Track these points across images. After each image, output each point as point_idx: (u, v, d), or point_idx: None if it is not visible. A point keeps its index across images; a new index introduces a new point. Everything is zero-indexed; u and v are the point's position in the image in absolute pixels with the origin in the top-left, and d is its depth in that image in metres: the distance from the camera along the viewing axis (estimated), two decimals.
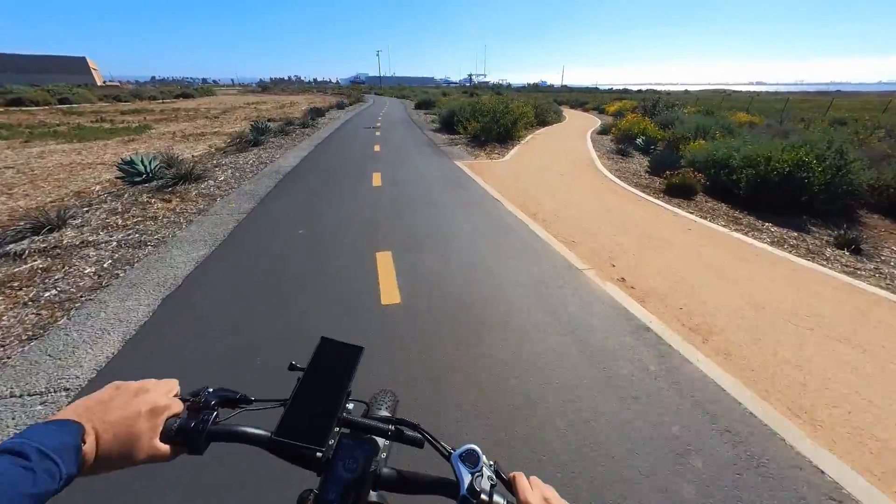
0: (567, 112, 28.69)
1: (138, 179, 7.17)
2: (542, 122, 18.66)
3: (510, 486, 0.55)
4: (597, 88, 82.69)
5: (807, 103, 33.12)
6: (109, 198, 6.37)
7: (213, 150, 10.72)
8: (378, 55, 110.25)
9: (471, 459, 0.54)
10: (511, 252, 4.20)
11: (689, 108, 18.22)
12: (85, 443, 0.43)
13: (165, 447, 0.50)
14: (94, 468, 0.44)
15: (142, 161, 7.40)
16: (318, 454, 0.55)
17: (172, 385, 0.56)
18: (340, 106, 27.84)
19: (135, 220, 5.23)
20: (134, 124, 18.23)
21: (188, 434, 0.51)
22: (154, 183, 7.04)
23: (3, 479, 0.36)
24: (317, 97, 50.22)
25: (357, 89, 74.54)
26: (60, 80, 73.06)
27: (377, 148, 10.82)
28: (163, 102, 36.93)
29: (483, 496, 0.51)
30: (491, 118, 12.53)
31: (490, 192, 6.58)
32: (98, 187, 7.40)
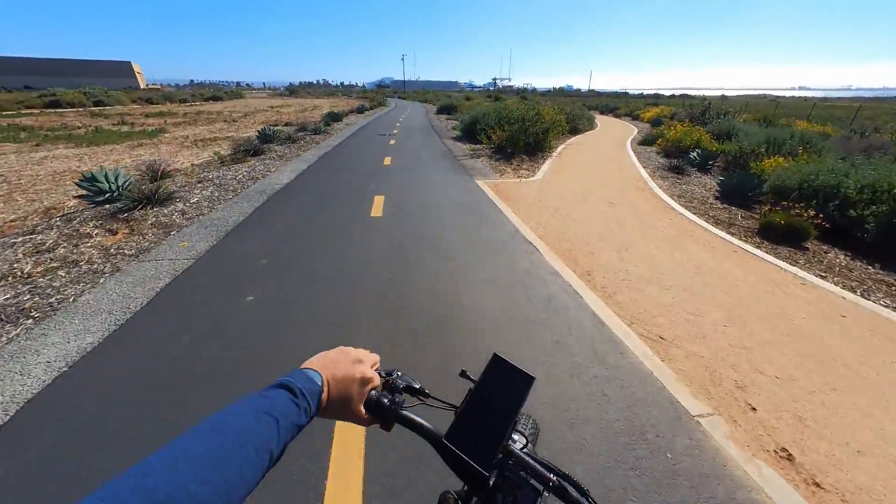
0: (598, 118, 26.50)
1: (100, 199, 5.95)
2: (574, 130, 16.77)
3: None
4: (626, 93, 78.82)
5: (870, 110, 29.48)
6: (59, 223, 5.15)
7: (216, 157, 9.54)
8: (403, 59, 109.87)
9: None
10: (562, 366, 2.52)
11: (743, 116, 15.87)
12: (324, 392, 0.51)
13: (365, 414, 0.57)
14: (323, 414, 0.52)
15: (106, 177, 6.19)
16: (479, 477, 0.53)
17: (377, 359, 0.62)
18: (360, 110, 26.74)
19: (52, 263, 3.91)
20: (151, 128, 17.63)
21: (383, 410, 0.56)
22: (118, 204, 5.81)
23: (284, 409, 0.44)
24: (340, 101, 49.75)
25: (381, 93, 74.16)
26: (108, 83, 76.35)
27: (387, 161, 9.35)
28: (191, 105, 37.12)
29: None
30: (519, 127, 10.85)
31: (521, 229, 4.92)
32: (74, 202, 6.31)
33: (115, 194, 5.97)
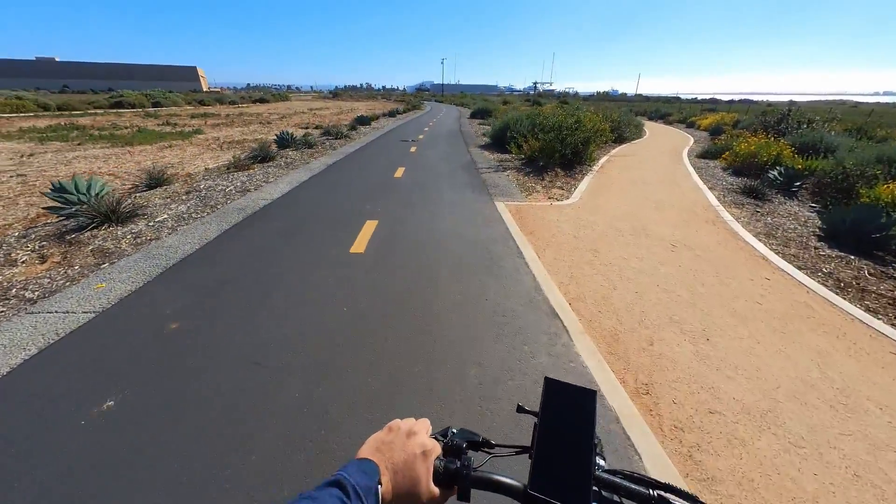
0: (647, 125, 23.93)
1: (65, 213, 5.21)
2: (620, 139, 14.77)
3: None
4: (678, 98, 72.87)
5: None
6: (12, 239, 4.40)
7: (233, 161, 8.77)
8: (442, 63, 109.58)
9: None
10: None
11: (833, 125, 13.11)
12: (381, 484, 0.45)
13: (437, 490, 0.49)
14: None
15: (76, 188, 5.47)
16: None
17: (428, 425, 0.56)
18: (392, 114, 25.99)
19: None
20: (190, 129, 17.79)
21: (456, 478, 0.50)
22: (78, 221, 5.03)
23: None
24: (378, 104, 49.81)
25: (419, 97, 74.01)
26: (175, 86, 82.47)
27: (399, 172, 8.15)
28: (237, 107, 38.44)
29: None
30: (555, 136, 9.27)
31: (545, 287, 3.44)
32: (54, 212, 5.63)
33: (79, 208, 5.19)
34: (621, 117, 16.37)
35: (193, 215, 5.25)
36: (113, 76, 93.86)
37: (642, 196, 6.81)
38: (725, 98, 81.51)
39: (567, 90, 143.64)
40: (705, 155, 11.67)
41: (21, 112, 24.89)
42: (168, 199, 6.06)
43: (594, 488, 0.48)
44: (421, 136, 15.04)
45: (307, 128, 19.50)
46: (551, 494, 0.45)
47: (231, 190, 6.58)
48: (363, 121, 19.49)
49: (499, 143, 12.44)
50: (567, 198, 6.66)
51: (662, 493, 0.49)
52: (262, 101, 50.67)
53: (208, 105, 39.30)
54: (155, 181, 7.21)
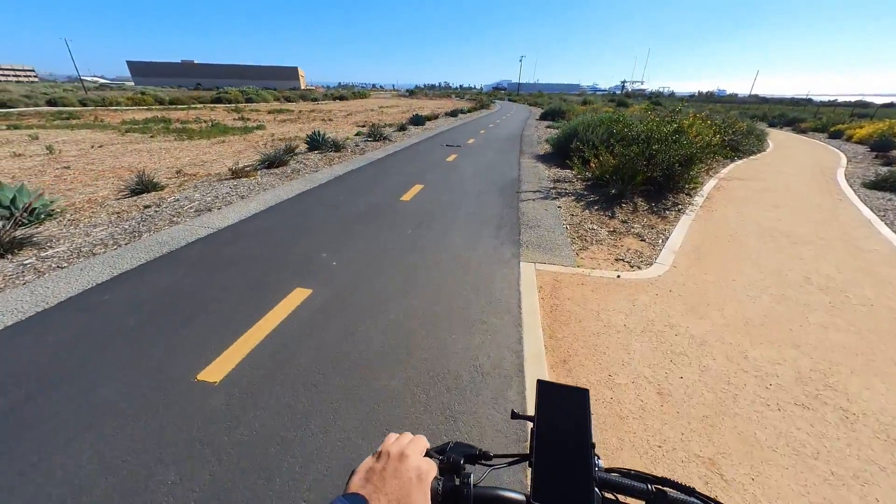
0: (770, 134, 18.40)
1: None
2: (734, 151, 10.81)
3: None
4: (809, 100, 58.19)
5: None
6: None
7: (233, 167, 7.70)
8: (520, 61, 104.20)
9: None
10: None
11: None
12: None
13: None
14: None
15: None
16: None
17: (424, 444, 0.50)
18: (453, 113, 24.02)
19: None
20: (255, 124, 18.02)
21: (456, 498, 0.47)
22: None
23: None
24: (448, 102, 48.37)
25: (493, 95, 71.06)
26: (278, 85, 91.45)
27: (411, 194, 6.05)
28: (317, 103, 40.05)
29: None
30: (640, 150, 6.38)
31: None
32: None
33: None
34: (732, 122, 12.18)
35: (96, 250, 3.83)
36: (233, 75, 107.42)
37: (793, 271, 3.78)
38: (880, 100, 63.97)
39: (661, 90, 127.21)
40: (882, 185, 7.57)
41: (141, 105, 28.43)
42: (107, 218, 4.83)
43: (595, 489, 0.46)
44: (471, 141, 12.80)
45: (363, 126, 18.60)
46: (555, 502, 0.43)
47: (190, 209, 5.18)
48: (417, 120, 17.87)
49: (561, 153, 9.68)
50: (649, 260, 3.96)
51: (660, 486, 0.49)
52: (341, 98, 52.67)
53: (292, 101, 41.67)
54: (142, 187, 6.23)
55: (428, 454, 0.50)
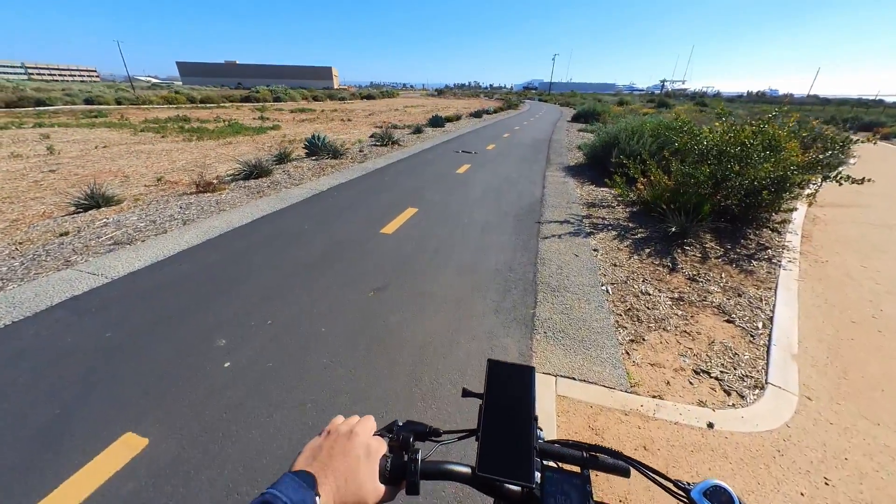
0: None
1: None
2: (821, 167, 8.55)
3: None
4: (880, 101, 51.19)
5: None
6: None
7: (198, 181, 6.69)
8: (553, 59, 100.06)
9: (720, 499, 0.41)
10: None
11: None
12: (320, 495, 0.40)
13: (385, 490, 0.46)
14: None
15: None
16: (526, 491, 0.48)
17: (372, 424, 0.51)
18: (477, 114, 22.36)
19: None
20: (269, 125, 17.36)
21: (403, 473, 0.47)
22: None
23: None
24: (476, 102, 46.65)
25: (523, 95, 68.46)
26: (313, 84, 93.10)
27: (393, 224, 4.57)
28: (342, 103, 39.57)
29: None
30: (713, 169, 4.58)
31: None
32: None
33: None
34: (835, 134, 9.81)
35: None
36: (271, 75, 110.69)
37: None
38: None
39: (704, 89, 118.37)
40: None
41: (173, 103, 28.85)
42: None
43: (535, 458, 0.49)
44: (490, 147, 11.19)
45: (381, 127, 17.55)
46: (499, 472, 0.45)
47: (109, 239, 4.00)
48: (437, 122, 16.45)
49: (597, 165, 7.93)
50: (755, 377, 2.29)
51: (592, 452, 0.52)
52: (369, 97, 52.16)
53: (319, 100, 41.44)
54: (91, 203, 5.21)
55: (378, 434, 0.50)
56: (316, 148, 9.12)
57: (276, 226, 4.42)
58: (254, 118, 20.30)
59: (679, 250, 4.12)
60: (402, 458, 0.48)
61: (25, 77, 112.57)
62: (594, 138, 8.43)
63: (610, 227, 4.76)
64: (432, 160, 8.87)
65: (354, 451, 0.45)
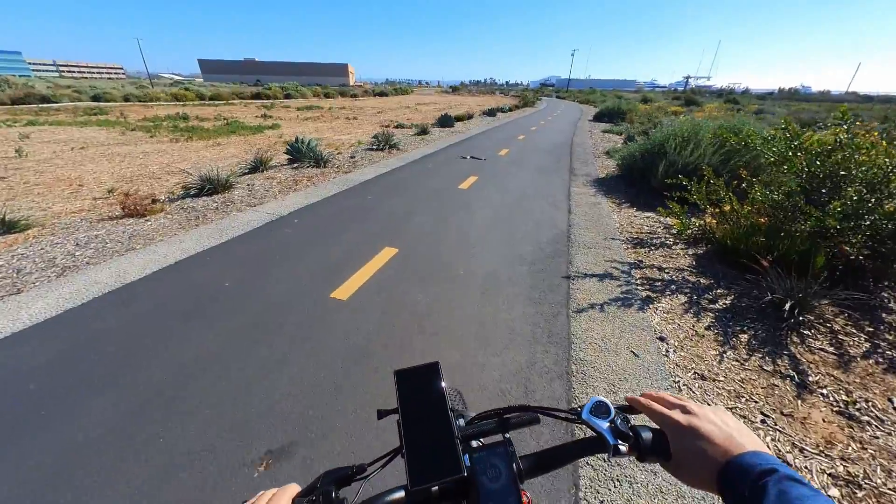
0: None
1: None
2: None
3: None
4: None
5: None
6: None
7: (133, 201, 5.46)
8: (572, 55, 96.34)
9: (602, 411, 0.50)
10: None
11: None
12: None
13: None
14: None
15: None
16: (460, 480, 0.48)
17: (290, 491, 0.45)
18: (490, 112, 20.67)
19: None
20: (267, 125, 16.25)
21: None
22: None
23: None
24: (491, 99, 44.74)
25: (539, 92, 65.96)
26: (328, 81, 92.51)
27: (355, 281, 3.16)
28: (353, 100, 38.35)
29: (631, 438, 0.47)
30: (847, 201, 2.97)
31: None
32: None
33: None
34: None
35: None
36: (289, 72, 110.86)
37: None
38: None
39: (731, 86, 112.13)
40: None
41: (181, 100, 28.18)
42: None
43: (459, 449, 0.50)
44: (503, 152, 9.61)
45: (388, 126, 16.24)
46: (431, 478, 0.45)
47: None
48: (445, 121, 14.93)
49: (637, 178, 6.30)
50: None
51: (504, 415, 0.55)
52: (381, 94, 50.83)
53: (330, 97, 40.34)
54: None
55: (297, 499, 0.46)
56: (298, 154, 7.78)
57: (182, 282, 3.03)
58: (256, 116, 19.26)
59: (795, 338, 2.55)
60: None
61: (57, 74, 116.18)
62: (634, 146, 6.76)
63: (674, 287, 3.20)
64: (433, 170, 7.39)
65: None
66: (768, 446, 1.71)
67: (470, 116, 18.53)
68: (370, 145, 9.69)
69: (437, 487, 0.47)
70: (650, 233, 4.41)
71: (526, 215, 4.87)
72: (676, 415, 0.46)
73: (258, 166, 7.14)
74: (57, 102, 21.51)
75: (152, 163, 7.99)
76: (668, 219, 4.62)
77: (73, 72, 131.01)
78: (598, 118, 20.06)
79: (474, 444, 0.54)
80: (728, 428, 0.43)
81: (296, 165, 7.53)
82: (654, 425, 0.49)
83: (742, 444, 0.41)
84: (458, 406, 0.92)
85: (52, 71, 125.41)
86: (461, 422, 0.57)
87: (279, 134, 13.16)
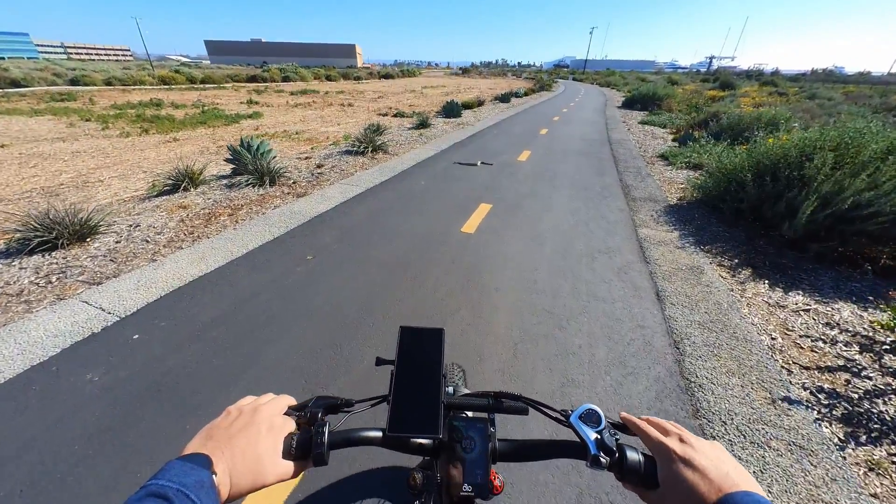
0: None
1: None
2: None
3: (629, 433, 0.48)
4: None
5: None
6: None
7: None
8: (591, 33, 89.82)
9: (592, 419, 0.48)
10: None
11: None
12: (216, 473, 0.38)
13: (290, 464, 0.44)
14: (231, 496, 0.40)
15: None
16: (435, 441, 0.53)
17: (285, 401, 0.50)
18: (504, 98, 17.83)
19: None
20: (252, 111, 14.02)
21: (309, 448, 0.46)
22: None
23: None
24: (503, 82, 41.26)
25: (555, 74, 61.40)
26: (335, 62, 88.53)
27: None
28: (356, 83, 35.41)
29: (615, 455, 0.45)
30: None
31: None
32: None
33: None
34: None
35: None
36: (296, 53, 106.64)
37: None
38: None
39: (758, 66, 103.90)
40: None
41: (170, 84, 25.81)
42: None
43: (446, 412, 0.51)
44: (523, 157, 7.16)
45: (385, 114, 13.96)
46: (408, 430, 0.46)
47: None
48: (451, 110, 12.36)
49: (746, 210, 3.89)
50: None
51: (498, 397, 0.55)
52: (387, 76, 47.53)
53: (332, 80, 37.39)
54: None
55: (288, 412, 0.49)
56: (240, 164, 5.52)
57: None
58: (241, 102, 16.94)
59: None
60: (308, 433, 0.47)
61: (65, 56, 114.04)
62: (729, 159, 4.27)
63: None
64: (426, 191, 5.05)
65: (255, 427, 0.43)
66: None
67: (481, 103, 15.84)
68: (351, 146, 7.37)
69: (414, 441, 0.52)
70: (843, 359, 2.10)
71: (580, 312, 2.58)
72: (672, 442, 0.44)
73: (179, 184, 4.95)
74: (28, 86, 19.43)
75: (75, 168, 6.09)
76: (877, 322, 2.30)
77: (81, 53, 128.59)
78: (628, 105, 17.14)
79: (461, 414, 0.56)
80: (724, 465, 0.41)
81: (234, 181, 5.30)
82: (645, 450, 0.46)
83: (736, 483, 0.39)
84: (456, 379, 0.96)
85: (60, 52, 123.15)
86: (450, 390, 0.63)
87: (257, 125, 10.98)
